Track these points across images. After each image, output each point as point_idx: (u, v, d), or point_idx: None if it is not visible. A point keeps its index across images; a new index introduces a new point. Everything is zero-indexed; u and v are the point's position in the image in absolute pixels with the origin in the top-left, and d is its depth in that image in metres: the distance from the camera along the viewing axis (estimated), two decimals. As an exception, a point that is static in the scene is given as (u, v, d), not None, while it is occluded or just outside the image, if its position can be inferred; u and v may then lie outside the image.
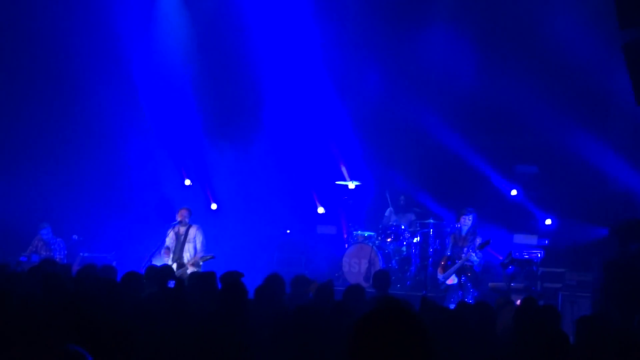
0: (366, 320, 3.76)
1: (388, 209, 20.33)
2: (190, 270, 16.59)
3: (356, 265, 19.18)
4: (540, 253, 17.84)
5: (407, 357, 3.65)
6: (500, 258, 17.42)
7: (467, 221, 16.48)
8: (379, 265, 18.85)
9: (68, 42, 21.72)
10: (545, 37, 19.77)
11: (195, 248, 17.16)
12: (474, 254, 16.09)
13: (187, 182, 23.01)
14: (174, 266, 16.63)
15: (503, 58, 20.35)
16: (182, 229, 17.35)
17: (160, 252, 17.33)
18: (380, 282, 13.17)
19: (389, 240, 19.44)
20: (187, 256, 17.14)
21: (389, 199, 20.22)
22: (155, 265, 13.60)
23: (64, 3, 21.90)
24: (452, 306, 14.30)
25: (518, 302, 13.91)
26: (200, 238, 17.27)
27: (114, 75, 22.30)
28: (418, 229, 19.65)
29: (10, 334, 6.82)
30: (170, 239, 17.39)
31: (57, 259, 17.53)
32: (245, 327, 8.30)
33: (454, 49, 20.61)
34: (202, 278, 11.04)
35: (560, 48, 19.46)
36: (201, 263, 16.90)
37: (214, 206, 22.63)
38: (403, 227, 19.52)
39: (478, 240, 16.26)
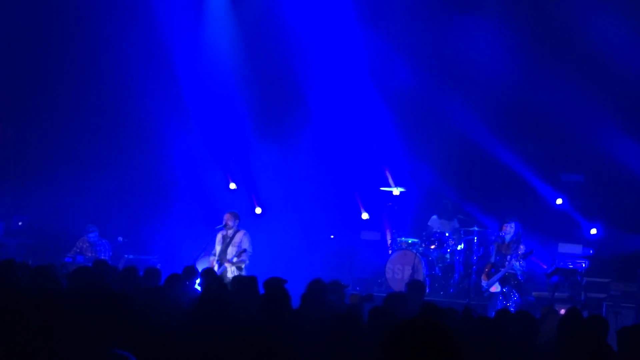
0: (399, 331, 3.78)
1: (432, 217, 20.29)
2: (230, 270, 16.73)
3: (399, 271, 19.14)
4: (585, 263, 17.72)
5: None
6: (545, 267, 17.36)
7: (509, 229, 16.38)
8: (422, 272, 18.83)
9: (114, 43, 21.84)
10: (593, 43, 19.62)
11: (237, 251, 17.22)
12: (517, 263, 16.01)
13: (232, 185, 23.09)
14: (215, 267, 16.80)
15: (551, 64, 20.22)
16: (230, 232, 17.47)
17: (204, 255, 17.47)
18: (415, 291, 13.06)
19: (432, 247, 19.39)
20: (227, 258, 17.26)
21: (449, 205, 20.18)
22: (193, 267, 13.67)
23: (111, 2, 22.05)
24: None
25: (562, 311, 13.85)
26: (247, 244, 17.33)
27: (161, 78, 22.40)
28: (462, 236, 19.59)
29: (55, 334, 6.89)
30: (217, 243, 17.56)
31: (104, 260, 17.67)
32: (287, 333, 8.32)
33: (501, 54, 20.47)
34: (243, 282, 11.08)
35: (609, 54, 19.33)
36: (243, 266, 16.98)
37: (258, 210, 22.68)
38: (447, 234, 19.47)
39: (522, 249, 16.17)
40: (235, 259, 17.08)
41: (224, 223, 17.55)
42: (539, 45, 20.57)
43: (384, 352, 3.74)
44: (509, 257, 16.14)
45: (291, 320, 8.99)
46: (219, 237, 17.59)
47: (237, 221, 17.63)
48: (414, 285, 13.31)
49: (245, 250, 17.16)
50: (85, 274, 11.69)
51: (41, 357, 6.02)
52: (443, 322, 3.88)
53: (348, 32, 21.83)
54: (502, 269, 16.12)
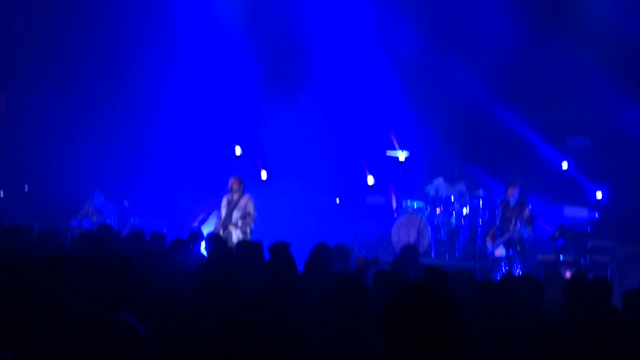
0: (398, 298, 3.77)
1: (438, 178, 20.23)
2: (235, 234, 16.78)
3: (405, 235, 19.16)
4: (591, 226, 17.71)
5: (437, 339, 3.65)
6: (550, 230, 17.35)
7: (514, 192, 16.34)
8: (427, 236, 18.88)
9: (116, 4, 21.84)
10: (598, 5, 19.56)
11: (241, 216, 17.25)
12: (522, 227, 15.99)
13: (238, 150, 23.09)
14: (220, 230, 16.86)
15: (556, 27, 20.12)
16: (235, 197, 17.48)
17: (209, 219, 17.52)
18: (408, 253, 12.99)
19: (438, 211, 19.41)
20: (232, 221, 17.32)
21: (456, 168, 20.16)
22: (199, 231, 13.69)
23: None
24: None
25: (567, 274, 13.87)
26: (251, 208, 17.35)
27: (164, 40, 22.38)
28: (467, 200, 19.59)
29: (61, 298, 6.92)
30: (223, 207, 17.59)
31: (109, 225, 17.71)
32: (292, 297, 8.34)
33: (506, 17, 20.36)
34: (249, 248, 11.10)
35: (614, 17, 19.28)
36: (248, 230, 17.01)
37: (264, 175, 22.69)
38: (452, 198, 19.47)
39: (526, 211, 16.13)
40: (239, 222, 17.12)
41: (229, 187, 17.59)
42: (544, 8, 20.47)
43: (388, 315, 3.73)
44: (513, 220, 16.12)
45: (296, 284, 9.01)
46: (224, 201, 17.62)
47: (242, 186, 17.63)
48: (407, 249, 13.27)
49: (249, 214, 17.19)
50: (90, 238, 11.75)
51: (46, 320, 6.05)
52: (448, 285, 3.91)
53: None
54: (507, 233, 16.12)
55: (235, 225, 17.10)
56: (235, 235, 16.83)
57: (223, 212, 17.57)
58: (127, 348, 4.68)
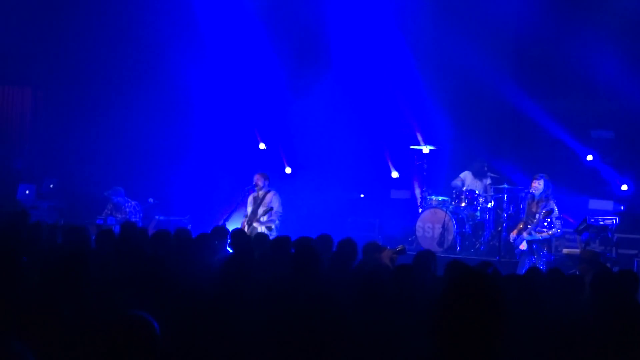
0: (458, 284, 4.14)
1: (465, 171, 20.15)
2: (259, 229, 16.76)
3: (430, 230, 19.14)
4: (616, 219, 17.58)
5: (485, 323, 4.01)
6: (575, 224, 17.26)
7: (538, 186, 16.24)
8: (452, 230, 18.83)
9: (144, 7, 21.93)
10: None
11: (266, 211, 17.26)
12: (544, 222, 15.87)
13: (262, 145, 23.15)
14: (246, 227, 16.87)
15: (582, 18, 19.98)
16: (260, 194, 17.53)
17: (233, 215, 17.54)
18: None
19: (463, 205, 19.35)
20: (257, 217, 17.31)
21: (485, 166, 20.05)
22: (223, 228, 13.70)
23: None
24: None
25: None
26: (277, 204, 17.36)
27: (189, 36, 22.46)
28: (492, 194, 19.52)
29: (84, 295, 6.95)
30: (249, 204, 17.66)
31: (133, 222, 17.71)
32: (317, 291, 8.34)
33: (531, 8, 20.25)
34: (276, 242, 11.12)
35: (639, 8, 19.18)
36: (273, 226, 17.01)
37: (288, 170, 22.73)
38: (477, 192, 19.41)
39: (550, 205, 16.01)
40: (263, 218, 17.15)
41: (253, 184, 17.62)
42: (570, 2, 20.37)
43: (449, 300, 4.09)
44: (537, 214, 16.03)
45: (320, 280, 9.01)
46: (250, 198, 17.69)
47: (267, 182, 17.67)
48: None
49: (272, 209, 17.19)
50: (111, 235, 11.78)
51: (66, 317, 6.07)
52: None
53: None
54: (529, 227, 16.03)
55: (260, 221, 17.12)
56: (260, 230, 16.82)
57: (249, 209, 17.62)
58: (141, 344, 4.69)
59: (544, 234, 15.89)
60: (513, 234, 16.35)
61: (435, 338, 4.05)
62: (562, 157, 20.16)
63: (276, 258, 10.35)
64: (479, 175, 19.93)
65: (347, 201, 22.18)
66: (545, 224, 15.84)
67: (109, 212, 19.06)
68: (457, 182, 19.96)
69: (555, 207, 16.05)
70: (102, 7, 22.58)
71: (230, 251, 11.92)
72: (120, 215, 18.79)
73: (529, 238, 15.86)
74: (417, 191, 21.12)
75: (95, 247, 11.17)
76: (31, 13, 22.61)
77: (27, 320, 5.82)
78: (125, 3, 22.08)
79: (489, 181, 19.81)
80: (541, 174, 16.34)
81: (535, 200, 16.18)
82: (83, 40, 22.90)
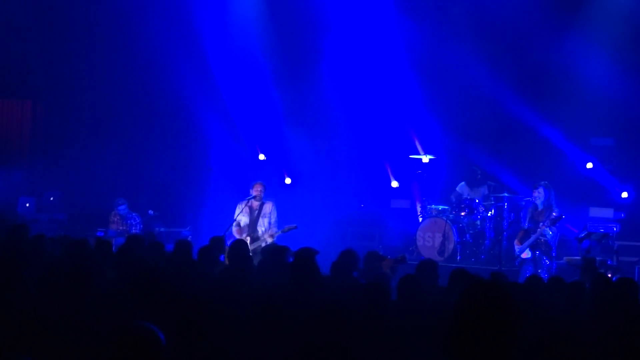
0: (471, 293, 4.14)
1: (461, 183, 20.18)
2: (266, 242, 16.60)
3: (430, 239, 19.14)
4: (617, 226, 17.62)
5: (501, 331, 4.05)
6: (576, 232, 17.26)
7: (539, 194, 16.21)
8: (453, 239, 18.83)
9: (142, 15, 21.93)
10: (626, 5, 19.49)
11: (269, 223, 17.11)
12: (547, 229, 15.87)
13: (262, 156, 23.15)
14: (248, 240, 16.56)
15: (580, 26, 20.04)
16: (256, 204, 17.23)
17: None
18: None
19: (463, 214, 19.35)
20: (261, 230, 17.08)
21: (479, 173, 20.04)
22: (222, 239, 13.66)
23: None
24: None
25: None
26: (275, 215, 17.22)
27: (188, 48, 22.48)
28: (492, 202, 19.51)
29: (85, 307, 6.95)
30: (243, 214, 17.26)
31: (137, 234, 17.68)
32: (315, 303, 8.34)
33: (530, 15, 20.26)
34: (274, 251, 11.11)
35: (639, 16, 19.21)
36: (275, 236, 16.88)
37: (288, 180, 22.74)
38: (477, 200, 19.41)
39: (554, 214, 16.01)
40: (273, 230, 16.97)
41: (254, 193, 17.28)
42: (570, 6, 20.37)
43: (459, 311, 4.09)
44: (541, 223, 16.00)
45: (319, 290, 9.01)
46: (242, 207, 17.28)
47: (265, 192, 17.45)
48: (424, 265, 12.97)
49: (274, 220, 17.10)
50: (109, 247, 11.79)
51: (69, 328, 6.08)
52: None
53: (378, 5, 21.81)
54: (533, 235, 16.01)
55: (271, 235, 16.89)
56: (266, 242, 16.61)
57: (243, 219, 17.26)
58: (148, 355, 4.70)
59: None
60: (517, 244, 16.26)
61: (450, 349, 4.02)
62: (562, 165, 20.17)
63: (274, 268, 10.35)
64: (474, 184, 19.90)
65: (348, 211, 22.18)
66: (551, 232, 15.82)
67: (112, 221, 19.02)
68: (452, 197, 19.96)
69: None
70: (102, 20, 22.59)
71: (227, 262, 11.91)
72: (121, 228, 18.80)
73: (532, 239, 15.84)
74: (417, 201, 21.13)
75: (97, 258, 11.17)
76: (31, 26, 22.66)
77: (30, 333, 5.82)
78: (125, 16, 22.08)
79: (486, 189, 19.79)
80: (539, 184, 16.29)
81: (539, 210, 16.11)
82: (83, 53, 22.95)
